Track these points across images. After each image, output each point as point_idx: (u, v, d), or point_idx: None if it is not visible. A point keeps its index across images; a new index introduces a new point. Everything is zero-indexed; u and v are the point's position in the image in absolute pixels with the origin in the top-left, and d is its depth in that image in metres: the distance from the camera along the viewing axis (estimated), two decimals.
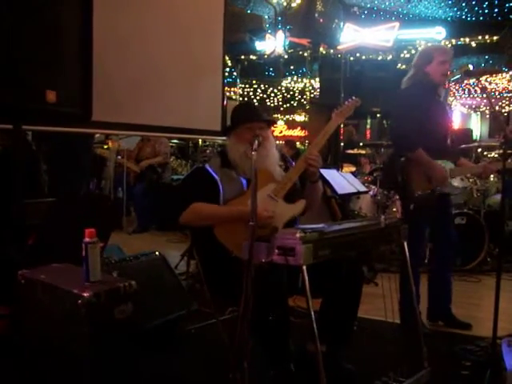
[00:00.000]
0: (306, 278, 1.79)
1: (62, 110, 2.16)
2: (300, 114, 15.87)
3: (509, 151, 2.56)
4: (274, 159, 2.52)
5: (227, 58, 6.58)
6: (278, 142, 10.07)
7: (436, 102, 3.23)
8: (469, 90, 13.20)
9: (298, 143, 10.66)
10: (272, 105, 15.38)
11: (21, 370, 2.04)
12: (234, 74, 10.79)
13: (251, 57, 10.18)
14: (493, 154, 6.11)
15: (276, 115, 15.68)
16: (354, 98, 2.63)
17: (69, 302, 1.80)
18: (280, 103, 15.53)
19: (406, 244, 2.41)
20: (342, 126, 6.37)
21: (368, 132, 9.28)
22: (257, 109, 2.65)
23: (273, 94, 15.17)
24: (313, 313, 1.83)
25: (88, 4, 2.22)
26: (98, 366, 1.82)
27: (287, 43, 8.77)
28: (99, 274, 1.91)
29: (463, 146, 5.16)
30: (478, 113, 15.97)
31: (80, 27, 2.18)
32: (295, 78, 14.14)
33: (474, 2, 9.43)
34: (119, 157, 6.87)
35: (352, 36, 8.48)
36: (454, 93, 12.82)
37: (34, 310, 1.99)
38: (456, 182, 4.99)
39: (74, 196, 3.46)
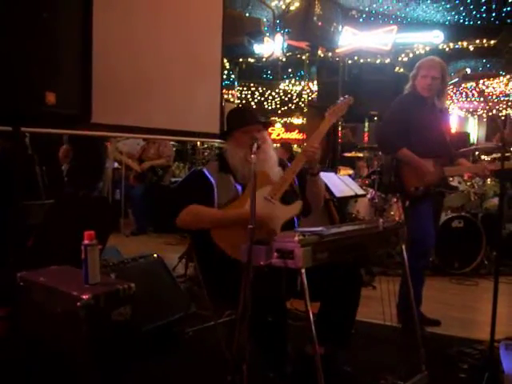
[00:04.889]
0: (305, 281, 1.79)
1: (61, 112, 2.16)
2: (298, 117, 15.87)
3: (507, 154, 2.57)
4: (273, 161, 2.52)
5: (225, 60, 6.59)
6: (275, 144, 10.08)
7: (425, 110, 3.25)
8: (466, 93, 13.21)
9: (295, 146, 10.65)
10: (270, 107, 15.36)
11: (19, 372, 2.04)
12: (232, 76, 10.82)
13: (249, 59, 10.21)
14: (489, 158, 6.13)
15: (274, 118, 15.68)
16: (347, 96, 2.63)
17: (68, 304, 1.80)
18: (278, 106, 15.51)
19: (404, 247, 2.42)
20: (339, 128, 6.39)
21: (366, 135, 9.29)
22: (252, 112, 2.65)
23: (271, 97, 15.15)
24: (311, 315, 1.83)
25: (88, 5, 2.22)
26: (96, 368, 1.82)
27: (285, 46, 8.79)
28: (98, 276, 1.91)
29: (462, 150, 5.18)
30: (476, 116, 16.00)
31: (80, 29, 2.18)
32: (293, 81, 14.14)
33: (471, 6, 9.45)
34: (118, 161, 6.86)
35: (350, 39, 8.50)
36: (451, 96, 12.85)
37: (33, 312, 1.99)
38: (454, 184, 5.00)
39: (73, 198, 3.46)
